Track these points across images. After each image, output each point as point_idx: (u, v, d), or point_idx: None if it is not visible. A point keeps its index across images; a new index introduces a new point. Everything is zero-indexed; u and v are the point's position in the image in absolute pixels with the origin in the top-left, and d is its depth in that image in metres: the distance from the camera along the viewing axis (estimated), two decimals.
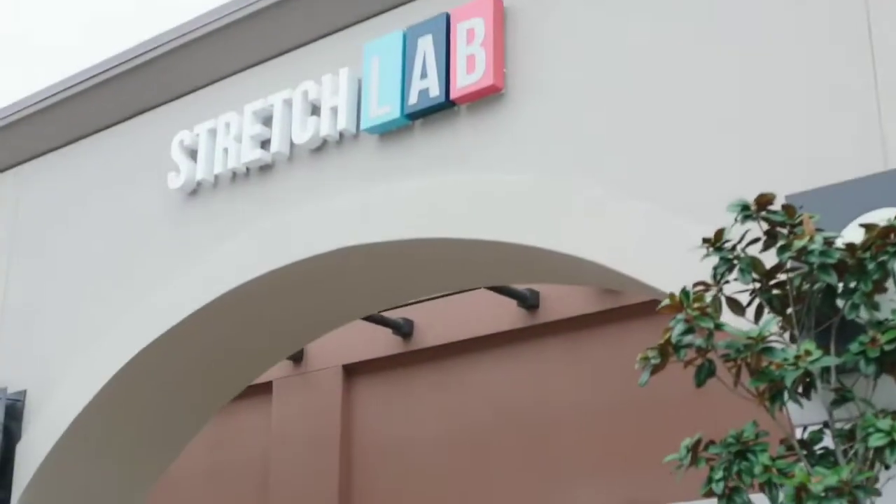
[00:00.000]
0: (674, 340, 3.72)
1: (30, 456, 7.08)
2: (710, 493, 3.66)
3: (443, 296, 8.95)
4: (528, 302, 8.79)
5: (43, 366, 7.33)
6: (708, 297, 3.78)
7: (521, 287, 8.72)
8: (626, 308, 8.32)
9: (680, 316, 3.69)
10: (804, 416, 3.92)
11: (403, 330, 9.45)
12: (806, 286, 3.84)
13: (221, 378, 7.33)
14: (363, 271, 6.31)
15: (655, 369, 3.78)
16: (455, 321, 9.18)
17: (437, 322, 9.29)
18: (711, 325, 3.65)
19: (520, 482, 8.56)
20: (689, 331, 3.71)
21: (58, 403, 7.10)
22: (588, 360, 8.53)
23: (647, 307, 8.04)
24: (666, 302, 3.72)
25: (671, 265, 4.77)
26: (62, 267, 7.57)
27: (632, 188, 5.17)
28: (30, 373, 7.36)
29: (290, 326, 7.03)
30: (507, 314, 8.92)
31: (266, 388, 9.99)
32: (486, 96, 5.75)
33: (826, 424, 3.80)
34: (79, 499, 7.25)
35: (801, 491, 3.33)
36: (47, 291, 7.59)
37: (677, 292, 3.72)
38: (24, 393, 7.28)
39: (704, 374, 3.79)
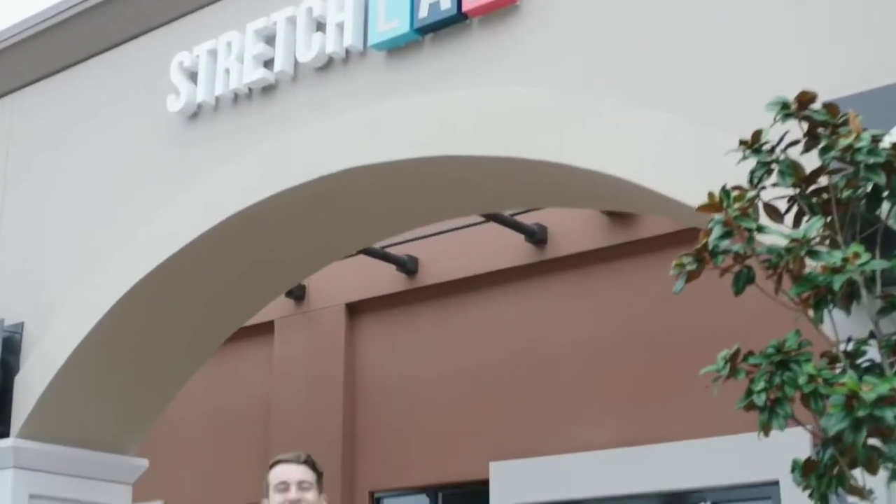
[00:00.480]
0: (711, 245, 3.49)
1: (28, 389, 6.93)
2: (750, 406, 3.44)
3: (448, 230, 8.74)
4: (536, 237, 8.57)
5: (40, 297, 7.16)
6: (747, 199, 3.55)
7: (529, 222, 8.50)
8: (635, 243, 8.15)
9: (719, 217, 3.46)
10: (846, 328, 3.70)
11: (407, 267, 9.24)
12: (848, 191, 3.61)
13: (223, 310, 7.13)
14: (371, 192, 6.09)
15: (691, 276, 3.54)
16: (460, 257, 8.97)
17: (442, 258, 9.08)
18: (754, 226, 3.42)
19: (525, 420, 8.41)
20: (726, 235, 3.48)
21: (55, 336, 6.94)
22: (596, 296, 8.34)
23: (657, 242, 7.88)
24: (704, 202, 3.49)
25: (694, 176, 4.56)
26: (58, 196, 7.37)
27: (651, 98, 4.96)
28: (27, 304, 7.19)
29: (295, 253, 6.82)
30: (514, 249, 8.71)
31: (267, 327, 9.84)
32: (500, 8, 5.51)
33: (872, 335, 3.58)
34: (78, 433, 7.10)
35: (852, 399, 3.12)
36: (43, 221, 7.39)
37: (717, 192, 3.48)
38: (21, 325, 7.12)
39: (743, 281, 3.55)
